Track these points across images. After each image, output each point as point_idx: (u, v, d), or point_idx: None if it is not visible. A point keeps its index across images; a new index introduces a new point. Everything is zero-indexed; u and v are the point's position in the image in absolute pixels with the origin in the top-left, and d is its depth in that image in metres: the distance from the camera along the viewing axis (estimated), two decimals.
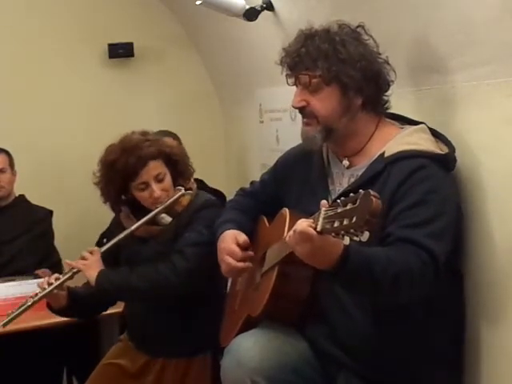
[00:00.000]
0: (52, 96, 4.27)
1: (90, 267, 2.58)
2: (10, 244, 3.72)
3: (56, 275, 2.61)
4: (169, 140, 3.07)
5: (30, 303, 2.56)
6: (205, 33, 4.22)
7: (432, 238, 1.88)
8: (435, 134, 2.11)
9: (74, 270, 2.60)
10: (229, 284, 2.62)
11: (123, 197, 2.71)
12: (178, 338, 2.65)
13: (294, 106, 2.12)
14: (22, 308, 2.58)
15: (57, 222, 3.91)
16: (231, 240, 2.26)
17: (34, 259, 3.69)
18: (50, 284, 2.57)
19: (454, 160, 2.06)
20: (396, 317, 1.98)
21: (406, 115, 2.20)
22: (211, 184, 3.73)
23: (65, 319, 2.96)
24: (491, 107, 2.04)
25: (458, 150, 2.09)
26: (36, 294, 2.57)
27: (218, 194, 3.57)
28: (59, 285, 2.58)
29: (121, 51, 4.34)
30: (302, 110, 2.11)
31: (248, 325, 2.19)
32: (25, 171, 3.96)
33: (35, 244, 3.77)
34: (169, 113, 4.31)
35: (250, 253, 2.26)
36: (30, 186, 4.01)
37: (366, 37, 2.09)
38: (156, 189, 2.59)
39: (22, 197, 3.94)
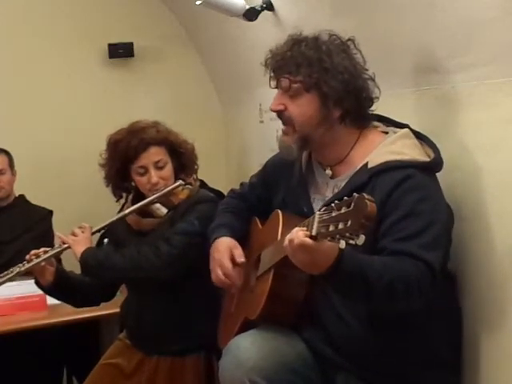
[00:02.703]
0: (52, 96, 4.27)
1: (78, 243, 2.60)
2: (9, 244, 3.72)
3: (44, 249, 2.62)
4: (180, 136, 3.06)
5: (15, 272, 2.57)
6: (205, 33, 4.22)
7: (426, 249, 1.88)
8: (419, 137, 2.09)
9: (64, 246, 2.61)
10: None
11: (125, 184, 2.72)
12: (169, 335, 2.64)
13: (271, 109, 2.11)
14: (6, 277, 2.58)
15: (57, 222, 3.90)
16: (226, 254, 2.26)
17: None
18: (38, 256, 2.57)
19: (441, 164, 2.04)
20: (393, 321, 1.97)
21: (406, 115, 2.20)
22: (211, 184, 3.72)
23: (64, 319, 2.96)
24: (491, 107, 2.04)
25: (458, 149, 2.09)
26: (23, 265, 2.57)
27: (218, 195, 3.56)
28: (47, 258, 2.58)
29: (121, 51, 4.34)
30: (279, 114, 2.09)
31: (246, 327, 2.18)
32: (25, 171, 3.96)
33: (35, 244, 3.72)
34: (169, 113, 4.26)
35: (239, 272, 2.25)
36: (29, 186, 4.01)
37: (354, 51, 2.07)
38: (154, 175, 2.60)
39: (21, 197, 3.95)
